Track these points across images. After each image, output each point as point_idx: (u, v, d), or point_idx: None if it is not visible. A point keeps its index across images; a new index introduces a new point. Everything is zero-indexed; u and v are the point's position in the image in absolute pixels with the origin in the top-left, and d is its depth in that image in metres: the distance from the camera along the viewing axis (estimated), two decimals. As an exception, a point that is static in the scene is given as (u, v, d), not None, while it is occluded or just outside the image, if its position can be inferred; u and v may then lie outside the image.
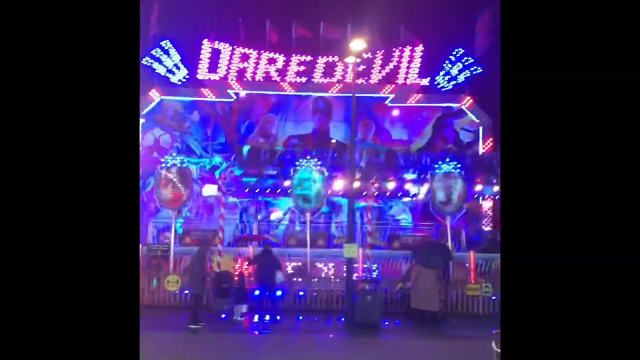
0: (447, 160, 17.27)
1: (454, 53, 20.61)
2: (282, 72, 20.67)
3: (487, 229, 20.17)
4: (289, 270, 15.88)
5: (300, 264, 16.29)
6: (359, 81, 19.16)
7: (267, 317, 12.80)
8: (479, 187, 18.15)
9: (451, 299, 14.67)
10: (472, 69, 20.33)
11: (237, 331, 12.04)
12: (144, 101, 20.10)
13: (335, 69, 20.66)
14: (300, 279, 15.23)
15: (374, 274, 15.54)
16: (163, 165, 16.85)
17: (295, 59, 20.66)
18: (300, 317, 13.67)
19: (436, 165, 17.16)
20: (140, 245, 16.95)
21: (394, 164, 19.06)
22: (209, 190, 20.17)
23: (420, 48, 20.74)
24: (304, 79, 20.68)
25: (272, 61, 20.70)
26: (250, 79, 20.63)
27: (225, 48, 20.56)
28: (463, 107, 20.77)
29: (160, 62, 20.03)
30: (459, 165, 17.14)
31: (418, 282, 13.39)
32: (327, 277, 15.53)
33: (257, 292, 13.49)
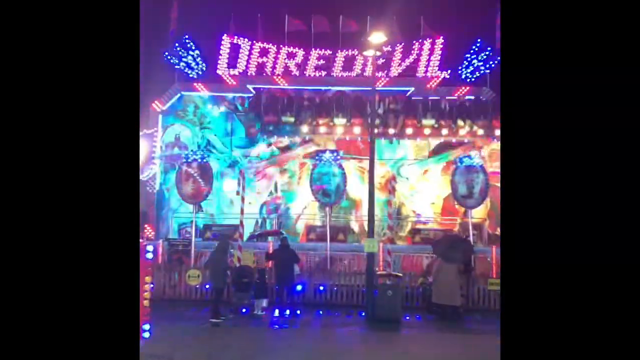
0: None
1: (475, 45, 20.34)
2: (302, 67, 20.61)
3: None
4: (309, 264, 15.90)
5: (318, 259, 16.30)
6: (379, 74, 19.06)
7: (288, 312, 12.82)
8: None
9: (473, 293, 14.53)
10: (494, 60, 20.03)
11: (257, 325, 12.08)
12: (165, 97, 20.25)
13: (355, 62, 20.54)
14: (320, 274, 15.22)
15: (395, 269, 15.46)
16: (184, 160, 16.98)
17: (314, 53, 20.58)
18: (321, 312, 13.67)
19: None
20: (162, 240, 17.15)
21: (412, 110, 19.25)
22: (229, 185, 20.28)
23: (440, 40, 20.52)
24: (323, 73, 20.59)
25: (291, 56, 20.66)
26: (270, 73, 20.61)
27: (244, 43, 20.57)
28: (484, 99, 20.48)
29: (180, 57, 20.11)
30: (480, 159, 17.01)
31: (439, 276, 13.29)
32: (347, 272, 15.48)
33: (277, 287, 13.53)
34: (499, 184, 17.76)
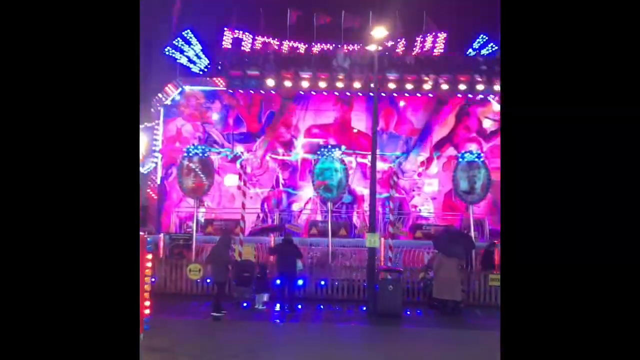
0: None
1: (478, 40, 20.26)
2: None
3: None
4: (310, 260, 15.90)
5: (319, 254, 16.30)
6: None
7: (289, 306, 12.82)
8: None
9: (474, 289, 14.54)
10: (496, 56, 19.93)
11: (258, 319, 12.09)
12: (167, 91, 20.21)
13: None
14: (321, 269, 15.22)
15: (396, 264, 15.47)
16: (185, 154, 16.96)
17: (316, 47, 20.51)
18: (322, 307, 13.68)
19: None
20: (162, 234, 17.16)
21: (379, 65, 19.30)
22: (231, 179, 20.27)
23: (443, 35, 20.44)
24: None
25: (293, 50, 20.59)
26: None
27: (246, 37, 20.51)
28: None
29: (181, 52, 20.05)
30: (482, 154, 16.97)
31: (440, 271, 13.28)
32: (348, 267, 15.49)
33: (278, 282, 13.53)
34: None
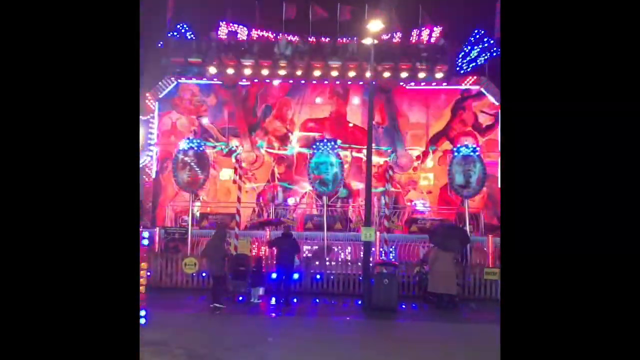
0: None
1: (473, 34, 20.21)
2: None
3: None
4: (306, 253, 15.93)
5: (316, 247, 16.34)
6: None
7: (284, 300, 12.83)
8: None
9: (469, 283, 14.58)
10: (491, 50, 19.91)
11: (254, 313, 12.11)
12: (162, 85, 20.12)
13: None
14: (317, 262, 15.24)
15: (391, 258, 15.49)
16: (180, 148, 16.92)
17: (312, 40, 20.41)
18: (317, 300, 13.70)
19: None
20: (158, 228, 17.12)
21: (320, 52, 19.28)
22: (226, 173, 20.23)
23: (438, 29, 20.37)
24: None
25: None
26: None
27: (241, 31, 20.41)
28: (482, 90, 20.42)
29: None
30: (477, 148, 16.99)
31: (436, 265, 13.32)
32: (344, 261, 15.50)
33: (274, 275, 13.54)
34: (495, 174, 17.84)
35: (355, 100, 20.65)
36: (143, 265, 7.17)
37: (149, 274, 11.44)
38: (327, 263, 15.28)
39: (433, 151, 20.47)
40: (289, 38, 19.65)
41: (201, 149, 16.97)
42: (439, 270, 13.19)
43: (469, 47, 20.30)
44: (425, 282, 13.81)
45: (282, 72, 19.21)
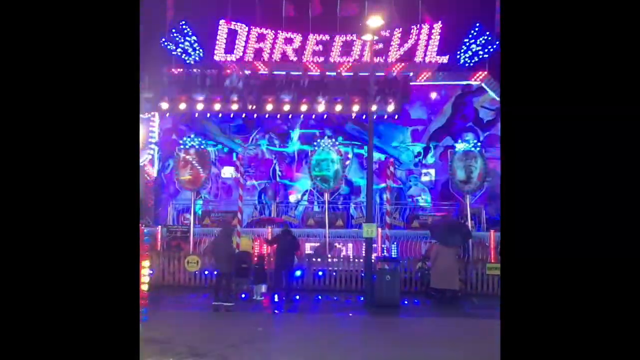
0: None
1: (474, 29, 20.15)
2: (299, 52, 20.43)
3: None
4: (308, 250, 15.95)
5: (318, 244, 16.36)
6: (377, 60, 18.89)
7: (286, 297, 12.86)
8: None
9: (471, 278, 14.58)
10: (493, 44, 19.84)
11: (257, 310, 12.13)
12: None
13: (353, 47, 20.35)
14: (319, 259, 15.25)
15: (393, 254, 15.51)
16: (182, 146, 16.93)
17: (312, 38, 20.40)
18: (320, 297, 13.72)
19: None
20: (160, 226, 17.16)
21: (272, 85, 18.70)
22: (227, 171, 20.24)
23: (439, 25, 20.32)
24: (321, 59, 20.41)
25: (289, 41, 20.49)
26: (268, 59, 20.43)
27: (241, 29, 20.39)
28: (483, 85, 20.39)
29: (176, 43, 19.94)
30: (478, 144, 16.98)
31: (438, 261, 13.32)
32: (346, 257, 15.52)
33: (272, 270, 13.55)
34: (497, 169, 17.81)
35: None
36: (145, 263, 7.18)
37: (151, 272, 11.45)
38: (329, 260, 15.29)
39: (434, 147, 20.46)
40: (240, 72, 19.24)
41: (202, 147, 17.01)
42: (441, 266, 13.20)
43: (470, 41, 20.24)
44: (427, 278, 13.82)
45: (234, 107, 18.50)
